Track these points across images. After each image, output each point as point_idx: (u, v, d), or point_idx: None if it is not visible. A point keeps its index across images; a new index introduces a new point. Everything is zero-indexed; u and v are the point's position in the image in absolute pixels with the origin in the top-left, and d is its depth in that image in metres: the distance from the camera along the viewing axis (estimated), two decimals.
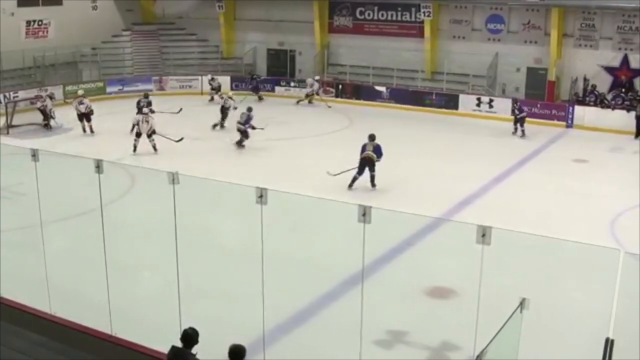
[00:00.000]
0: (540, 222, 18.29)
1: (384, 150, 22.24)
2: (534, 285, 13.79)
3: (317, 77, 39.13)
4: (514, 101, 32.75)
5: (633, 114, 31.16)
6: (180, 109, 33.19)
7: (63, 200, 18.85)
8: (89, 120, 30.30)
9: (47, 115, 31.11)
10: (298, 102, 38.17)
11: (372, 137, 22.45)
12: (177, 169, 10.47)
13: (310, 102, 38.13)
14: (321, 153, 26.88)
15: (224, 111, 31.72)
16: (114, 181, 18.61)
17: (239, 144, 27.86)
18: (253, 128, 27.95)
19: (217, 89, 38.67)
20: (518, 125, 30.87)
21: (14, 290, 12.30)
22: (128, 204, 19.93)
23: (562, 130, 31.38)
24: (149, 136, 26.78)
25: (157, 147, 26.49)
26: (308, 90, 38.48)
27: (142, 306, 13.70)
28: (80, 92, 32.66)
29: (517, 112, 31.16)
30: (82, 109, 30.00)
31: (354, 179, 22.00)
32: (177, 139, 27.07)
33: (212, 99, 38.25)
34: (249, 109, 28.65)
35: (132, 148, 26.24)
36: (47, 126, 30.96)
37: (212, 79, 39.59)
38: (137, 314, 13.06)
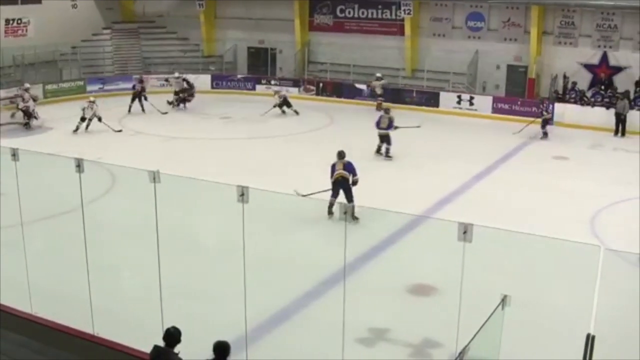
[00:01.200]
0: (522, 219, 18.35)
1: (356, 166, 19.53)
2: (515, 282, 13.84)
3: (276, 89, 37.57)
4: (541, 102, 31.94)
5: (613, 111, 31.33)
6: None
7: (44, 200, 18.74)
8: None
9: (30, 115, 30.94)
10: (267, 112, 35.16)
11: (341, 155, 19.57)
12: (159, 167, 10.44)
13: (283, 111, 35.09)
14: (302, 151, 26.90)
15: None
16: (95, 180, 18.54)
17: (386, 153, 25.99)
18: (395, 128, 26.05)
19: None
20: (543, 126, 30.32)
21: None
22: (109, 203, 19.86)
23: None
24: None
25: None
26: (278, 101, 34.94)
27: (125, 306, 13.64)
28: (91, 98, 32.16)
29: (544, 113, 30.70)
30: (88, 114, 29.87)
31: (331, 204, 18.79)
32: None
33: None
34: (388, 111, 27.02)
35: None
36: (27, 125, 30.77)
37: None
38: (120, 314, 13.01)
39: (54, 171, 16.22)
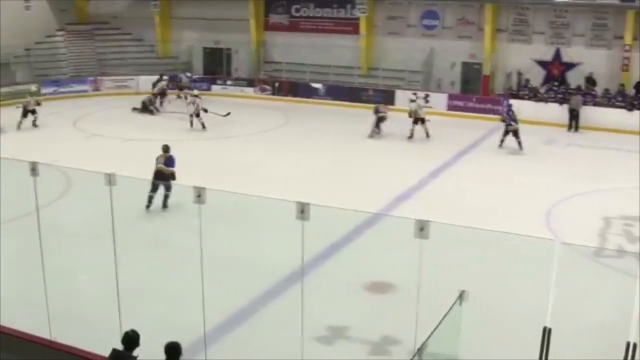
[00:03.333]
0: (477, 214, 18.46)
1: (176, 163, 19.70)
2: (472, 278, 13.91)
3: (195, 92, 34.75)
4: (508, 112, 29.73)
5: (566, 107, 31.70)
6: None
7: None
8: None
9: None
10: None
11: (165, 149, 20.02)
12: (114, 170, 10.38)
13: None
14: (258, 151, 26.87)
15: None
16: (50, 184, 18.38)
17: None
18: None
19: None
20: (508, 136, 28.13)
21: None
22: (65, 207, 19.69)
23: (497, 124, 31.71)
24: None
25: None
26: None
27: (82, 309, 13.53)
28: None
29: (512, 123, 28.06)
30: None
31: (150, 198, 19.20)
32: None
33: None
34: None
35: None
36: None
37: None
38: (77, 317, 12.90)
39: (9, 175, 16.04)
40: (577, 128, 31.26)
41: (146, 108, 35.12)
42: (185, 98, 34.00)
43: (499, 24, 35.56)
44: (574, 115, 31.34)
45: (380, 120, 30.46)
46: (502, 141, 28.04)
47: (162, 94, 36.68)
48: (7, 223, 18.12)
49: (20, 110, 30.37)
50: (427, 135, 28.83)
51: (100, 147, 27.57)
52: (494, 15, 35.01)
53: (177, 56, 43.80)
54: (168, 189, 19.03)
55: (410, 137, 29.15)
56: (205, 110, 30.74)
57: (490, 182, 22.72)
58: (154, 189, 19.04)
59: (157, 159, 19.61)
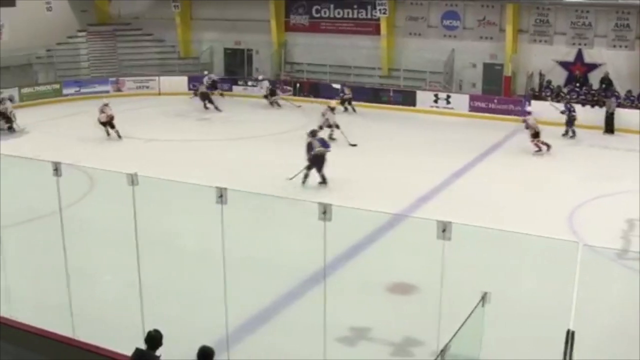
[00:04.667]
0: (501, 216, 18.40)
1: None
2: (495, 279, 13.88)
3: (260, 77, 39.37)
4: (567, 102, 31.43)
5: (588, 107, 31.56)
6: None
7: (21, 204, 18.64)
8: (112, 127, 29.43)
9: (9, 118, 30.69)
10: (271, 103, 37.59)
11: (313, 133, 22.52)
12: (137, 170, 10.41)
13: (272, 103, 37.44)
14: (280, 151, 26.87)
15: None
16: (73, 184, 18.45)
17: None
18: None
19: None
20: (568, 126, 30.18)
21: None
22: (88, 207, 19.77)
23: (519, 125, 31.59)
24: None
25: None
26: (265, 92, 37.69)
27: (105, 309, 13.59)
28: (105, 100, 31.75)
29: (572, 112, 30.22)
30: (103, 118, 29.33)
31: (306, 176, 22.02)
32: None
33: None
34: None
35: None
36: (10, 129, 30.54)
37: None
38: (100, 317, 12.95)
39: (32, 175, 16.13)
40: (612, 131, 30.94)
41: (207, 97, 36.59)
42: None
43: (520, 24, 35.38)
44: (609, 118, 31.02)
45: (344, 102, 34.13)
46: (570, 132, 29.85)
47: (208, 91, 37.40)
48: (30, 222, 18.26)
49: None
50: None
51: (123, 148, 27.68)
52: (515, 15, 34.84)
53: (198, 57, 43.87)
54: (320, 170, 21.86)
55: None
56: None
57: (513, 183, 22.62)
58: (311, 169, 21.88)
59: (311, 143, 21.86)
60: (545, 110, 30.97)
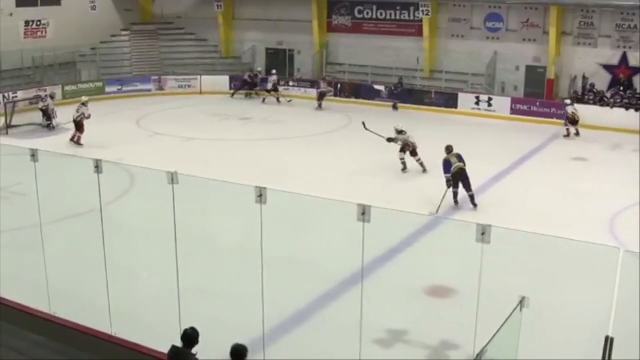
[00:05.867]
0: (540, 220, 18.28)
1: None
2: (533, 284, 13.78)
3: (274, 71, 39.60)
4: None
5: (632, 112, 31.22)
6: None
7: (62, 201, 18.83)
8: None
9: (49, 116, 31.06)
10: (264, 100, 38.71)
11: (449, 149, 21.23)
12: (177, 169, 10.46)
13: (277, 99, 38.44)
14: (320, 153, 26.91)
15: None
16: (114, 181, 18.60)
17: None
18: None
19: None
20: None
21: (14, 291, 12.28)
22: (127, 204, 19.93)
23: (561, 129, 31.32)
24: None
25: None
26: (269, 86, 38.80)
27: (143, 306, 13.68)
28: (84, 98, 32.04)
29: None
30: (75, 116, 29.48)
31: (455, 194, 20.63)
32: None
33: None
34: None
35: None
36: (49, 126, 30.90)
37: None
38: (138, 314, 13.05)
39: (73, 172, 16.29)
40: None
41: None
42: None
43: (564, 27, 35.06)
44: None
45: (321, 96, 35.60)
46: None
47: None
48: (71, 219, 18.44)
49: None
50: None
51: (163, 146, 27.86)
52: (559, 18, 34.55)
53: (240, 57, 44.04)
54: (470, 186, 20.54)
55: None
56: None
57: (554, 188, 22.45)
58: (456, 187, 20.54)
59: (449, 160, 20.72)
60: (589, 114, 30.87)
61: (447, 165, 20.61)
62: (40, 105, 31.39)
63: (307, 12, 41.35)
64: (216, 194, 18.00)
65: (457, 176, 20.41)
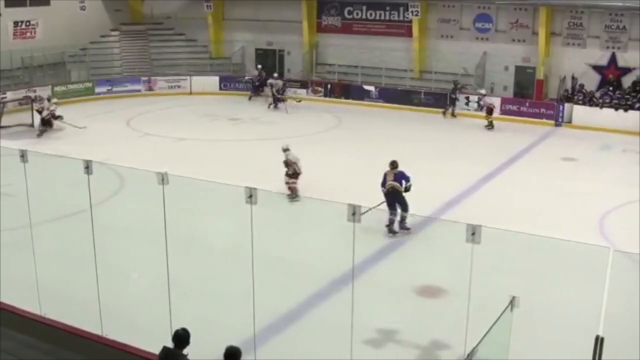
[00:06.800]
0: (530, 220, 18.31)
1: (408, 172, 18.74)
2: (524, 284, 13.83)
3: (275, 75, 38.80)
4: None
5: (621, 112, 31.30)
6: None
7: (52, 202, 18.79)
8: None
9: (51, 124, 30.61)
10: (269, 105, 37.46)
11: (393, 165, 18.64)
12: (167, 169, 10.45)
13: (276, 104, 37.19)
14: (310, 153, 26.88)
15: None
16: (104, 182, 18.58)
17: None
18: None
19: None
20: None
21: (4, 292, 12.24)
22: (117, 205, 19.89)
23: (550, 129, 31.43)
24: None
25: None
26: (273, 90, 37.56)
27: (133, 307, 13.68)
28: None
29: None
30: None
31: (391, 222, 18.22)
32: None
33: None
34: None
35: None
36: (39, 135, 30.58)
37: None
38: (128, 315, 13.03)
39: (63, 173, 16.25)
40: None
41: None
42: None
43: (553, 27, 35.14)
44: None
45: (273, 95, 36.44)
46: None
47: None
48: (61, 220, 18.40)
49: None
50: None
51: (154, 147, 27.82)
52: (548, 18, 34.62)
53: (230, 57, 44.00)
54: (405, 208, 18.18)
55: None
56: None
57: (543, 188, 22.49)
58: (392, 208, 18.14)
59: (386, 176, 18.46)
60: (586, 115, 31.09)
61: (384, 179, 18.54)
62: (37, 106, 31.09)
63: (296, 13, 41.33)
64: (206, 194, 18.02)
65: (388, 196, 18.28)
